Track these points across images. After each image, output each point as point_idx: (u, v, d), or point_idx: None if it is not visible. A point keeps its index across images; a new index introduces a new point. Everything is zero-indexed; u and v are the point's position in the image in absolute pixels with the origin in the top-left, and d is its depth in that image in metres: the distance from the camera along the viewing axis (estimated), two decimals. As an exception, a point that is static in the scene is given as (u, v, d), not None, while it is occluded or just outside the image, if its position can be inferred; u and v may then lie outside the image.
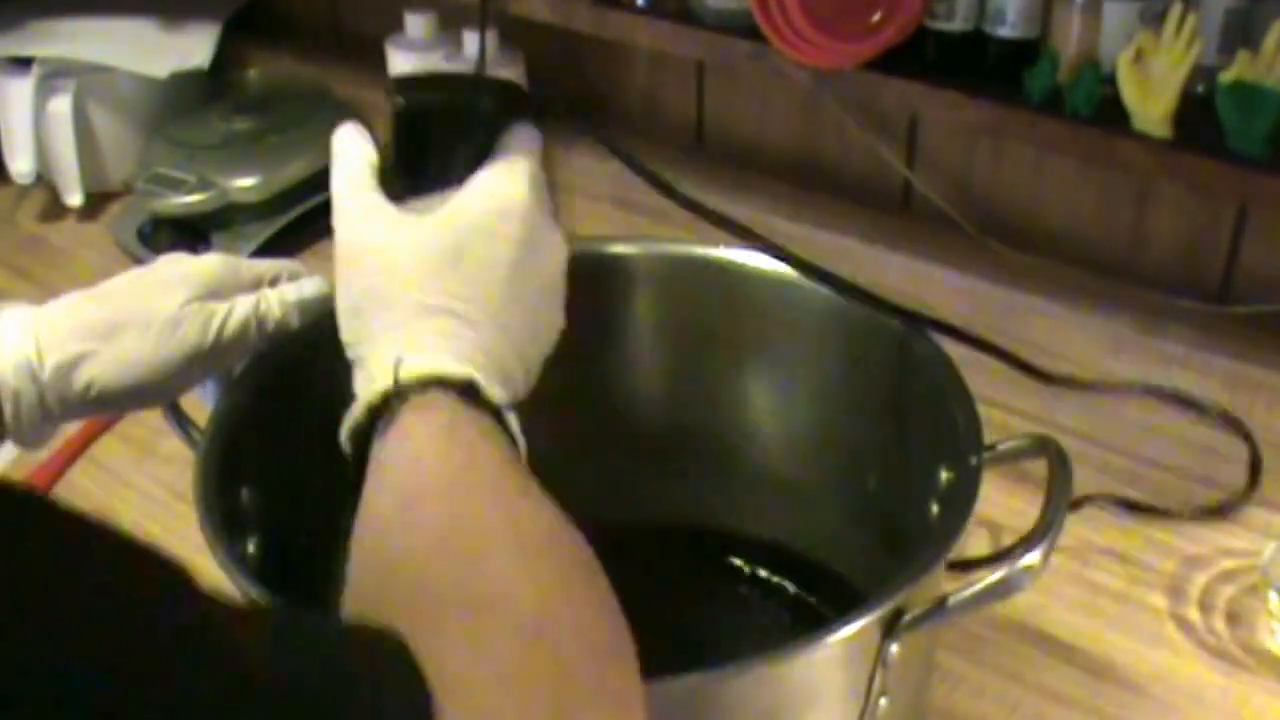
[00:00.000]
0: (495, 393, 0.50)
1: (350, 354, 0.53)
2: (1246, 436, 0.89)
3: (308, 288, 0.66)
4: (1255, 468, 0.87)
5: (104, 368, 0.61)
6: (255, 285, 0.66)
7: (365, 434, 0.49)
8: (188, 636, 0.32)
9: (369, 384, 0.50)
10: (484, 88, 0.57)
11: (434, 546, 0.44)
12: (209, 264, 0.65)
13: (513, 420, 0.50)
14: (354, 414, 0.50)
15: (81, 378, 0.61)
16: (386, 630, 0.38)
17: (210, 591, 0.34)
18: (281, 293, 0.65)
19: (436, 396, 0.48)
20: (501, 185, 0.54)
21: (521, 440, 0.51)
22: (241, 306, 0.63)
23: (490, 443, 0.48)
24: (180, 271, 0.64)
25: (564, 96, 0.60)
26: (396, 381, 0.48)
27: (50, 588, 0.29)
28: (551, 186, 0.57)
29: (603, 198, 0.94)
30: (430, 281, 0.52)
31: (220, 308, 0.63)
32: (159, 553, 0.33)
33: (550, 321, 0.56)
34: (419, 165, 0.55)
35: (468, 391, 0.49)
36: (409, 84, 0.57)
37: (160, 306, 0.62)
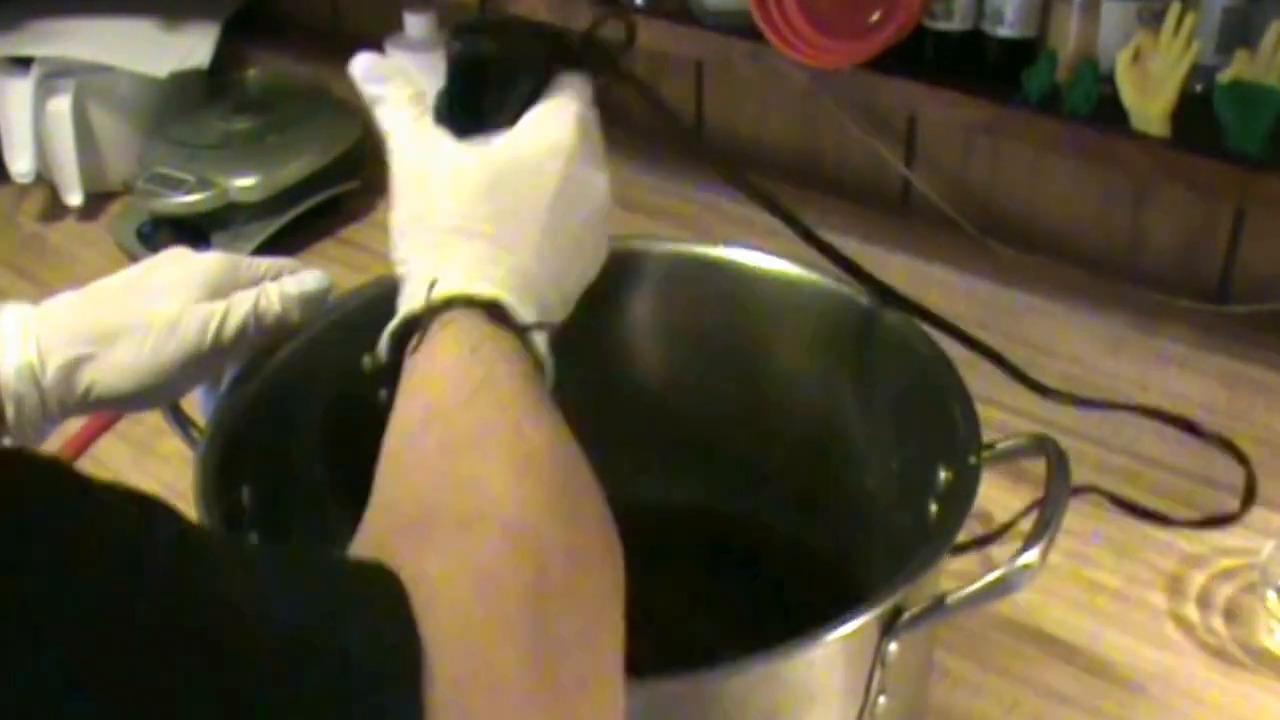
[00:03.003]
0: (524, 314, 0.52)
1: (398, 271, 0.55)
2: (1242, 460, 0.88)
3: (309, 282, 0.67)
4: (1250, 490, 0.86)
5: (104, 372, 0.61)
6: (255, 283, 0.66)
7: (400, 349, 0.52)
8: (179, 575, 0.33)
9: (408, 301, 0.53)
10: (540, 35, 0.59)
11: (440, 457, 0.46)
12: (209, 263, 0.65)
13: (540, 340, 0.53)
14: (391, 327, 0.52)
15: (82, 381, 0.61)
16: (379, 568, 0.39)
17: (202, 532, 0.36)
18: (282, 285, 0.66)
19: (466, 315, 0.51)
20: (548, 124, 0.57)
21: (549, 359, 0.53)
22: (239, 305, 0.64)
23: (510, 361, 0.50)
24: (180, 273, 0.64)
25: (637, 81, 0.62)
26: (430, 299, 0.51)
27: (55, 532, 0.31)
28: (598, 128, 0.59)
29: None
30: (472, 208, 0.54)
31: (218, 308, 0.63)
32: (156, 500, 0.35)
33: (591, 255, 0.58)
34: (472, 107, 0.57)
35: (497, 312, 0.52)
36: (467, 29, 0.59)
37: (159, 309, 0.62)
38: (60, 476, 0.33)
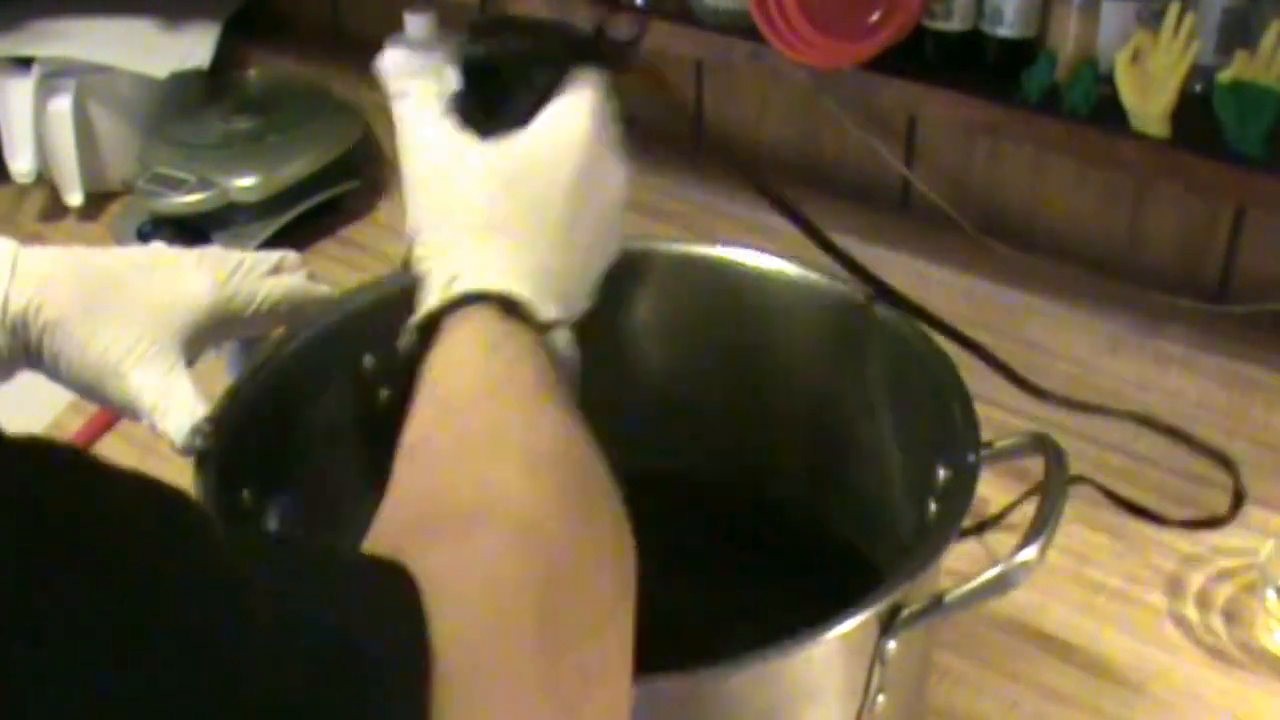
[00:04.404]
0: (545, 310, 0.52)
1: (418, 268, 0.55)
2: (1229, 464, 0.88)
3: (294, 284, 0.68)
4: (1238, 497, 0.86)
5: (67, 353, 0.62)
6: (247, 304, 0.66)
7: (419, 347, 0.52)
8: (197, 570, 0.33)
9: (427, 297, 0.53)
10: (551, 32, 0.60)
11: (454, 453, 0.46)
12: (200, 302, 0.64)
13: (561, 336, 0.53)
14: (411, 324, 0.53)
15: (48, 347, 0.62)
16: (392, 564, 0.39)
17: (222, 528, 0.35)
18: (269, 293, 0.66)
19: (484, 311, 0.51)
20: (565, 119, 0.57)
21: (574, 352, 0.54)
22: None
23: (529, 358, 0.51)
24: (169, 314, 0.63)
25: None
26: (450, 296, 0.51)
27: (75, 527, 0.31)
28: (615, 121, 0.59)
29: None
30: (491, 204, 0.55)
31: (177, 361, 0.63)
32: (178, 493, 0.35)
33: (607, 245, 0.59)
34: (487, 107, 0.58)
35: (516, 309, 0.52)
36: (480, 29, 0.59)
37: (138, 340, 0.62)
38: (79, 467, 0.33)
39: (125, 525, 0.32)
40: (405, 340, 0.53)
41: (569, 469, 0.47)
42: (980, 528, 0.83)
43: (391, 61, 0.60)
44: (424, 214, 0.56)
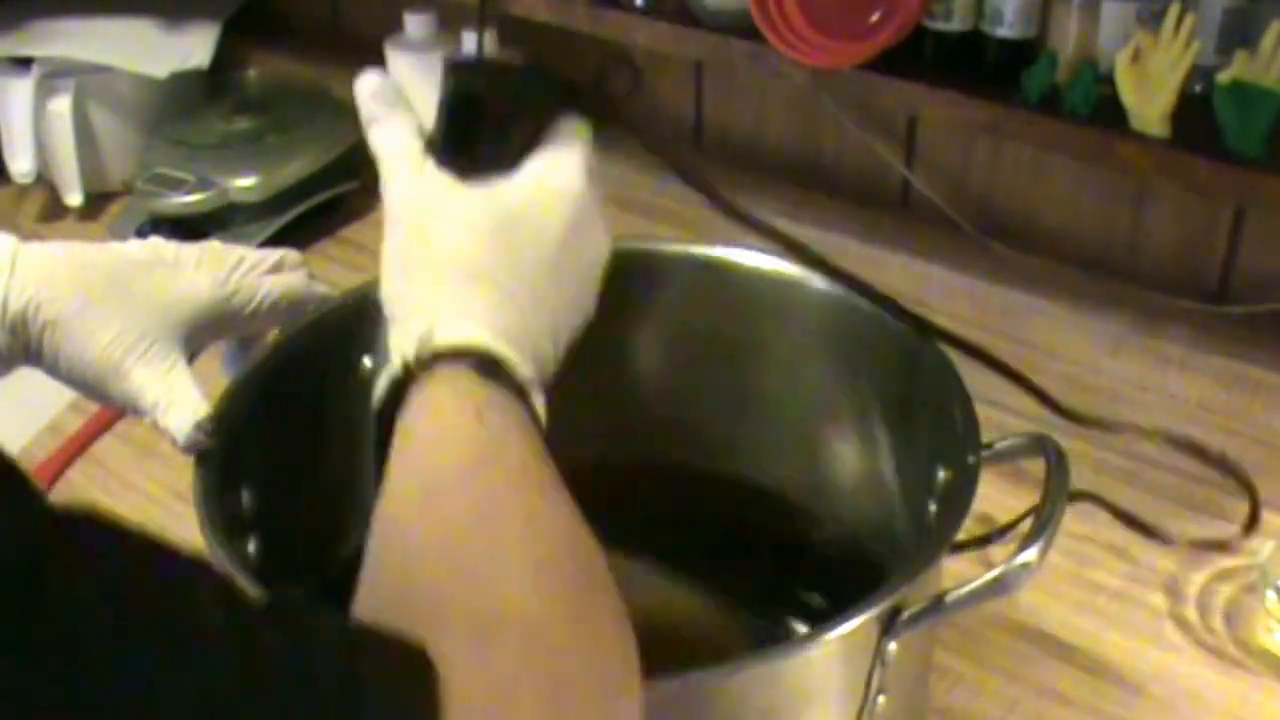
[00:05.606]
0: (525, 370, 0.50)
1: (387, 311, 0.53)
2: (1247, 486, 0.87)
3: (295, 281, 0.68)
4: (1254, 514, 0.84)
5: (68, 351, 0.61)
6: (247, 302, 0.66)
7: (394, 395, 0.49)
8: (214, 637, 0.33)
9: (403, 345, 0.50)
10: (537, 78, 0.58)
11: (448, 544, 0.44)
12: (200, 300, 0.64)
13: (538, 399, 0.51)
14: (388, 373, 0.50)
15: (48, 344, 0.61)
16: (408, 640, 0.38)
17: (240, 592, 0.35)
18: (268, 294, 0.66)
19: (466, 371, 0.48)
20: (557, 170, 0.55)
21: (543, 417, 0.51)
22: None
23: (517, 429, 0.48)
24: (169, 311, 0.63)
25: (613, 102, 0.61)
26: (430, 348, 0.49)
27: (86, 593, 0.31)
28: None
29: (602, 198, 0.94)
30: (476, 251, 0.52)
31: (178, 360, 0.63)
32: (194, 556, 0.34)
33: (584, 307, 0.56)
34: (466, 148, 0.56)
35: (496, 366, 0.49)
36: (463, 68, 0.58)
37: (138, 335, 0.62)
38: (121, 539, 0.33)
39: (158, 605, 0.32)
40: (380, 392, 0.50)
41: (570, 563, 0.45)
42: (983, 541, 0.82)
43: (367, 86, 0.58)
44: (398, 251, 0.54)
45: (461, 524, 0.44)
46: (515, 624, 0.41)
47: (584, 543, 0.46)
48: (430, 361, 0.49)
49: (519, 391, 0.50)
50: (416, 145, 0.56)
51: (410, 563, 0.43)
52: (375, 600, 0.43)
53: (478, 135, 0.56)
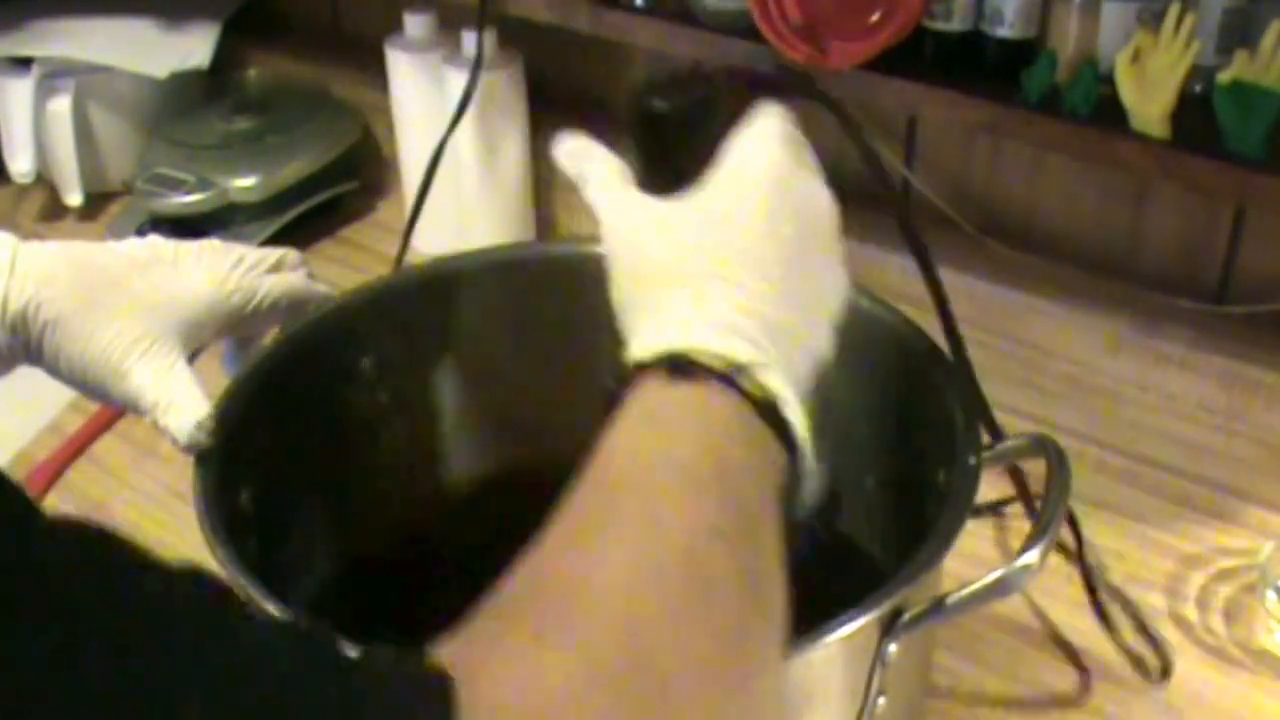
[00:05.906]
0: (770, 378, 0.48)
1: (621, 321, 0.53)
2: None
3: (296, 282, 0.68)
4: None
5: (68, 350, 0.62)
6: (247, 301, 0.66)
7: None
8: (228, 664, 0.32)
9: (642, 348, 0.50)
10: (727, 76, 0.59)
11: (563, 533, 0.43)
12: (200, 299, 0.65)
13: (790, 409, 0.49)
14: (620, 372, 0.50)
15: (48, 344, 0.62)
16: (437, 671, 0.36)
17: (255, 614, 0.34)
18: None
19: (709, 383, 0.48)
20: (749, 147, 0.54)
21: (798, 425, 0.49)
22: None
23: (692, 433, 0.47)
24: (169, 310, 0.64)
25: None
26: (649, 354, 0.49)
27: (101, 613, 0.31)
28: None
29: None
30: (687, 252, 0.52)
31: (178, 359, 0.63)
32: (208, 575, 0.34)
33: (833, 282, 0.56)
34: (670, 166, 0.56)
35: (739, 372, 0.48)
36: (656, 88, 0.58)
37: (135, 340, 0.62)
38: (117, 551, 0.33)
39: (160, 623, 0.32)
40: (611, 386, 0.50)
41: (712, 594, 0.42)
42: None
43: (565, 150, 0.58)
44: (623, 285, 0.54)
45: (585, 522, 0.43)
46: (579, 634, 0.39)
47: (726, 555, 0.44)
48: (651, 368, 0.49)
49: (762, 401, 0.48)
50: (622, 185, 0.56)
51: (529, 557, 0.42)
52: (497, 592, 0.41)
53: (676, 151, 0.56)
